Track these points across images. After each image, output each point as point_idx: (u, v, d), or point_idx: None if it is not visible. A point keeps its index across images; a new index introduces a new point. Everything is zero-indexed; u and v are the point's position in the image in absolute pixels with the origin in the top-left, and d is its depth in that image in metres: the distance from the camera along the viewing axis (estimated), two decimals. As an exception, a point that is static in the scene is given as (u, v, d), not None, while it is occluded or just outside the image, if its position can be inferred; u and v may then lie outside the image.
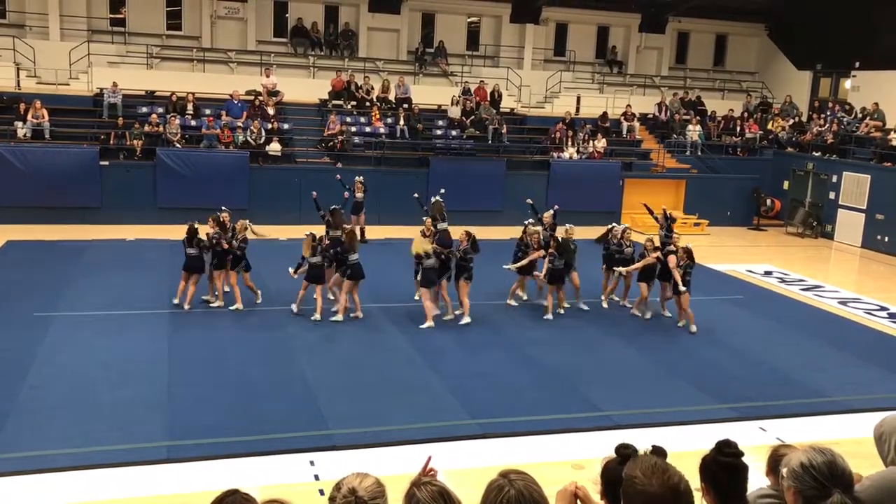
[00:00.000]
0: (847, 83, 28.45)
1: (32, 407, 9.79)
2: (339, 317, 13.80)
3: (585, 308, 14.77)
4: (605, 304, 15.33)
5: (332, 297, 14.34)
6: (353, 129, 23.74)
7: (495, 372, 11.88)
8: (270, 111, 23.36)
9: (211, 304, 14.24)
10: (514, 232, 18.29)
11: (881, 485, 3.36)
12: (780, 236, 25.09)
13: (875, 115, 25.15)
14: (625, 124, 26.73)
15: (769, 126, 28.16)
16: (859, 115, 25.91)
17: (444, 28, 28.65)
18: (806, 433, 9.76)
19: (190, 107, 22.85)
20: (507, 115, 25.93)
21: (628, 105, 27.22)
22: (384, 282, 15.64)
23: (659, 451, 3.20)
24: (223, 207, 14.60)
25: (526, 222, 15.31)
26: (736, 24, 31.25)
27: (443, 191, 17.14)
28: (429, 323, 13.52)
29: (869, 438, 3.81)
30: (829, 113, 26.91)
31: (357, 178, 19.22)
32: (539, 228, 15.07)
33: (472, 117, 24.81)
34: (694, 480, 3.52)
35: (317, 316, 13.74)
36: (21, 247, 17.88)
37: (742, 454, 3.31)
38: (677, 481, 2.83)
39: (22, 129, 20.76)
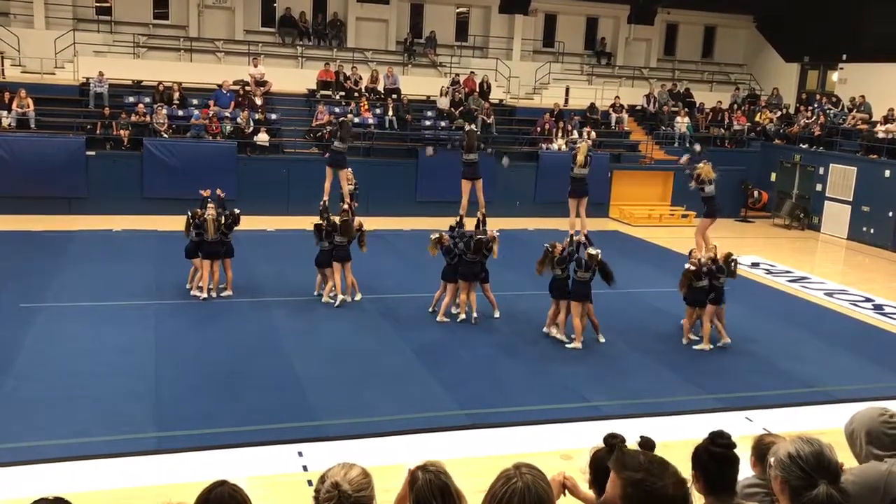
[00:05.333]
0: (834, 76, 28.57)
1: (19, 398, 9.74)
2: (340, 297, 14.07)
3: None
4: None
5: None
6: (342, 119, 23.64)
7: (484, 363, 11.90)
8: (258, 101, 23.24)
9: (223, 294, 14.24)
10: (502, 223, 18.26)
11: (863, 481, 3.38)
12: (768, 228, 25.21)
13: (861, 108, 25.27)
14: (613, 116, 26.76)
15: (757, 118, 28.25)
16: (846, 108, 26.02)
17: (432, 18, 28.56)
18: (792, 423, 9.82)
19: (177, 96, 22.70)
20: (496, 106, 25.90)
21: (617, 97, 27.25)
22: (374, 273, 15.61)
23: (647, 442, 3.22)
24: (210, 202, 14.49)
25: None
26: (724, 16, 31.31)
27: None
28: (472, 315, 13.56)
29: (855, 429, 3.82)
30: (816, 105, 27.04)
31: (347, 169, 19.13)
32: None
33: (461, 108, 24.77)
34: (682, 470, 3.53)
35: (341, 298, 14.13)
36: (6, 237, 17.74)
37: (734, 446, 3.32)
38: (679, 474, 2.84)
39: (7, 119, 20.57)
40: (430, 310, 13.92)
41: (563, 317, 12.93)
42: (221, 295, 14.20)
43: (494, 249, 13.55)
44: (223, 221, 13.97)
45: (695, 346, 12.97)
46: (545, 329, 13.13)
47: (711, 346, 12.95)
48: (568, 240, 13.30)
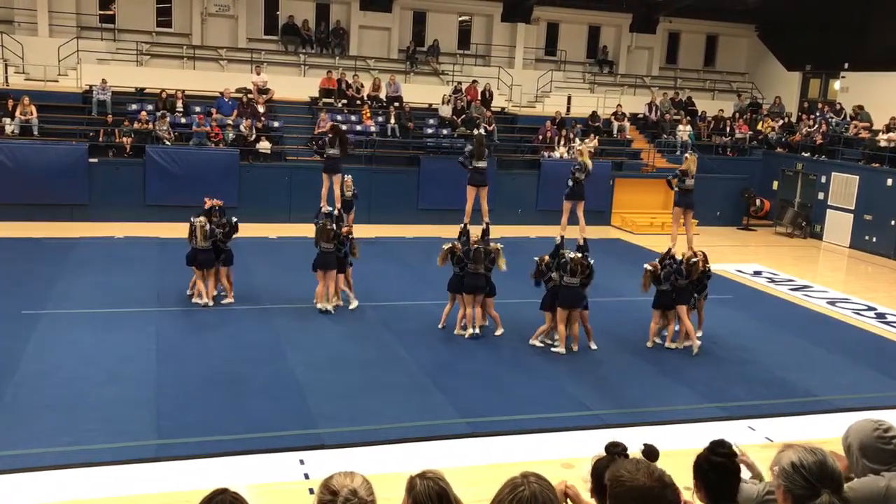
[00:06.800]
0: (836, 84, 28.58)
1: (19, 405, 9.73)
2: (318, 305, 14.08)
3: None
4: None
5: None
6: (344, 127, 23.67)
7: (485, 371, 11.88)
8: (261, 109, 23.29)
9: (223, 302, 14.26)
10: (504, 231, 18.32)
11: (862, 497, 3.37)
12: (770, 236, 25.20)
13: (859, 117, 25.29)
14: (615, 124, 26.78)
15: (759, 126, 28.27)
16: (849, 117, 25.98)
17: (435, 26, 28.64)
18: (794, 433, 9.80)
19: (179, 104, 22.76)
20: (498, 114, 25.94)
21: (619, 105, 27.28)
22: (375, 281, 15.61)
23: (650, 450, 3.21)
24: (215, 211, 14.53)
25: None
26: (726, 24, 31.35)
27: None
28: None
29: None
30: (818, 114, 27.06)
31: (346, 176, 19.15)
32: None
33: (463, 116, 24.81)
34: (684, 479, 3.53)
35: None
36: (8, 244, 17.76)
37: (735, 455, 3.32)
38: (661, 474, 2.86)
39: (10, 126, 20.62)
40: (441, 326, 13.52)
41: (548, 326, 12.95)
42: (222, 302, 14.21)
43: (500, 263, 13.29)
44: (223, 230, 14.01)
45: (693, 354, 13.00)
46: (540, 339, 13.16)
47: (699, 342, 13.09)
48: (558, 243, 13.23)
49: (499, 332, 13.49)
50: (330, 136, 15.03)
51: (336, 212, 14.63)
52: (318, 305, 14.06)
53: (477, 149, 14.36)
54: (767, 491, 3.56)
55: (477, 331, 13.23)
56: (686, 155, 14.70)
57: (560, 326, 12.63)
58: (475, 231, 13.99)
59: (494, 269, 13.36)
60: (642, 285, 13.18)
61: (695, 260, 13.03)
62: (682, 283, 12.97)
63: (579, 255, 12.69)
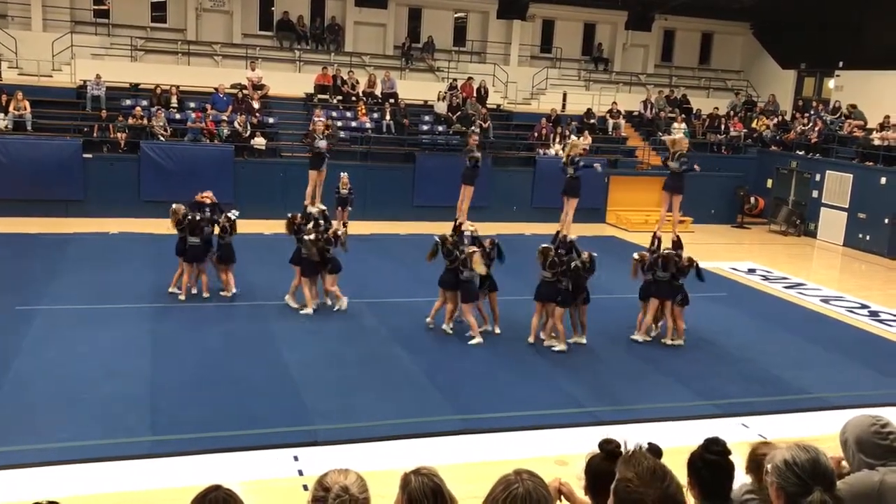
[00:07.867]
0: (831, 83, 28.65)
1: (15, 401, 9.71)
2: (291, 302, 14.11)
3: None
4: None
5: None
6: (339, 123, 23.67)
7: (480, 368, 11.88)
8: (255, 105, 23.25)
9: (223, 294, 14.45)
10: (499, 228, 18.34)
11: (856, 491, 3.40)
12: (764, 234, 25.26)
13: (853, 115, 25.35)
14: (610, 121, 26.80)
15: (753, 125, 28.32)
16: (843, 115, 26.04)
17: (430, 23, 28.63)
18: (787, 430, 9.84)
19: (174, 100, 22.72)
20: (494, 111, 25.94)
21: (614, 102, 27.30)
22: (369, 277, 15.60)
23: (654, 450, 3.20)
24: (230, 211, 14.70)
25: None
26: (722, 22, 31.40)
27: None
28: (477, 339, 12.92)
29: (851, 436, 3.83)
30: (812, 112, 27.12)
31: (342, 174, 19.17)
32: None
33: (459, 113, 24.80)
34: (678, 476, 3.54)
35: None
36: (2, 240, 17.70)
37: (729, 453, 3.33)
38: (674, 491, 2.82)
39: (3, 121, 20.56)
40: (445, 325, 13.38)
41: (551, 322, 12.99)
42: (220, 294, 14.42)
43: (474, 264, 12.79)
44: (222, 224, 14.15)
45: (672, 343, 13.24)
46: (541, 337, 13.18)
47: (681, 342, 13.25)
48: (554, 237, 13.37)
49: (475, 335, 12.99)
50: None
51: (308, 209, 14.63)
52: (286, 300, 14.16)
53: (468, 147, 14.66)
54: (746, 490, 3.59)
55: (445, 327, 13.24)
56: (677, 137, 14.81)
57: (534, 319, 12.79)
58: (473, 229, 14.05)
59: (485, 272, 13.30)
60: (631, 271, 13.38)
61: (670, 253, 13.17)
62: (662, 275, 13.05)
63: (548, 245, 12.80)
